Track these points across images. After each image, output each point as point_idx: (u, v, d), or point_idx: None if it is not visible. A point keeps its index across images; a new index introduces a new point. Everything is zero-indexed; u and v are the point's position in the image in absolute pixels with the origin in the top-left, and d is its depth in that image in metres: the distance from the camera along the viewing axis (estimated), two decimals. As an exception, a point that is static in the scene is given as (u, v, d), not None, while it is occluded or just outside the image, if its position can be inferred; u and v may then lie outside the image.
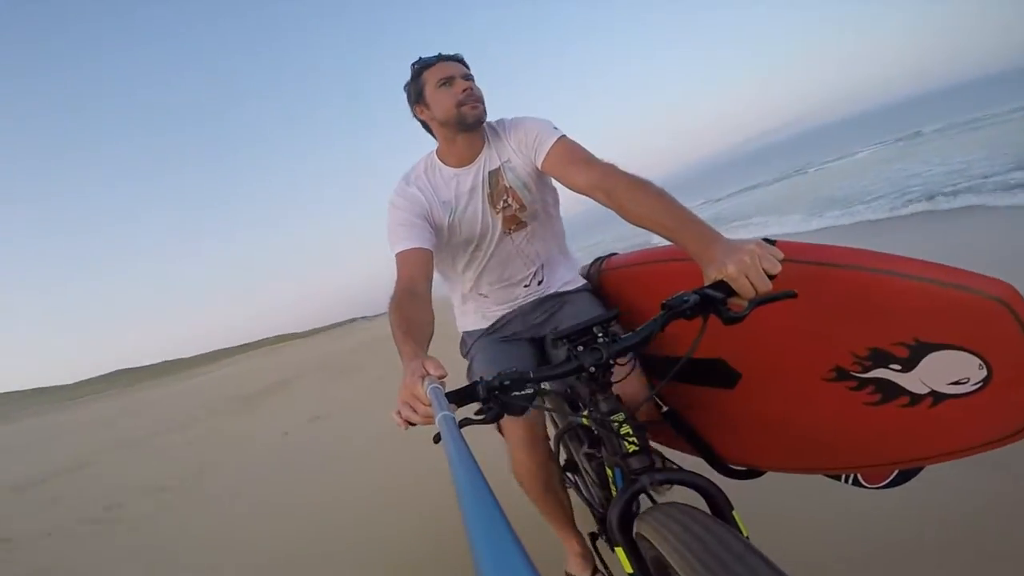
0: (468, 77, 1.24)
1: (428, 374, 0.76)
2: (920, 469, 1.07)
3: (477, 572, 0.31)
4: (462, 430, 0.59)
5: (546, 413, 1.62)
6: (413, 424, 0.76)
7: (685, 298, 0.80)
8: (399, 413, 0.77)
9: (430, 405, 0.69)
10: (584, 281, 1.48)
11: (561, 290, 1.44)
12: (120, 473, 5.67)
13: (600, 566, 1.45)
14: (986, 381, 0.84)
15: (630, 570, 0.85)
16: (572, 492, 1.60)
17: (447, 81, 1.22)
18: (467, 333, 1.51)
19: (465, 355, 1.51)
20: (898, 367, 0.91)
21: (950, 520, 1.43)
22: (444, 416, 0.60)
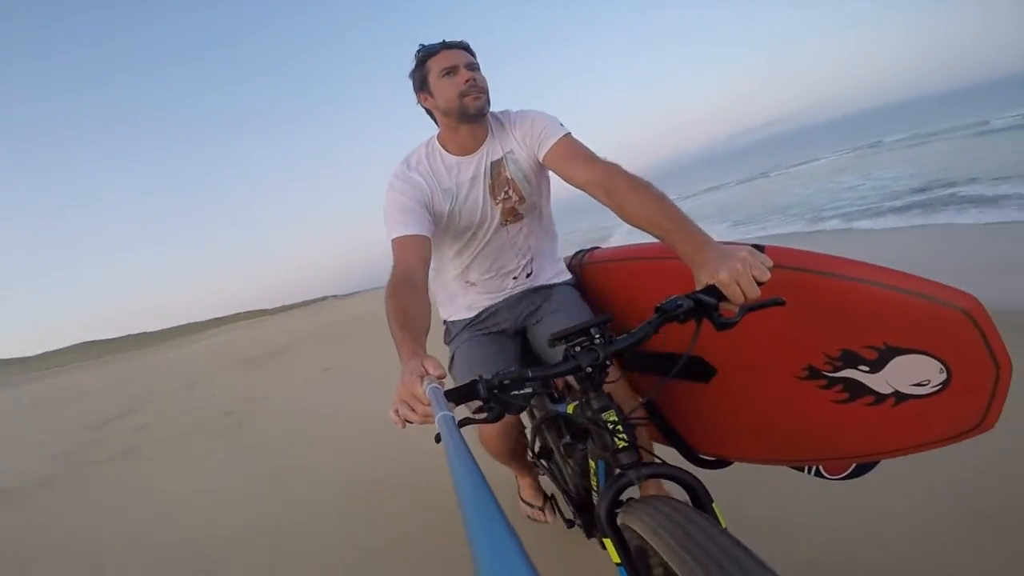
0: (472, 66, 1.22)
1: (427, 374, 0.76)
2: (877, 462, 1.14)
3: (477, 571, 0.31)
4: (461, 430, 0.59)
5: None
6: (411, 423, 0.76)
7: (679, 302, 0.83)
8: (396, 412, 0.77)
9: (429, 405, 0.69)
10: (569, 275, 1.50)
11: (547, 283, 1.46)
12: (184, 409, 6.44)
13: (552, 503, 1.66)
14: (945, 384, 0.90)
15: (617, 559, 0.88)
16: (546, 479, 1.67)
17: (450, 70, 1.20)
18: (451, 323, 1.51)
19: (448, 343, 1.51)
20: (866, 368, 0.97)
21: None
22: (444, 416, 0.60)
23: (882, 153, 19.03)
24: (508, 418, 1.34)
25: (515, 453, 1.46)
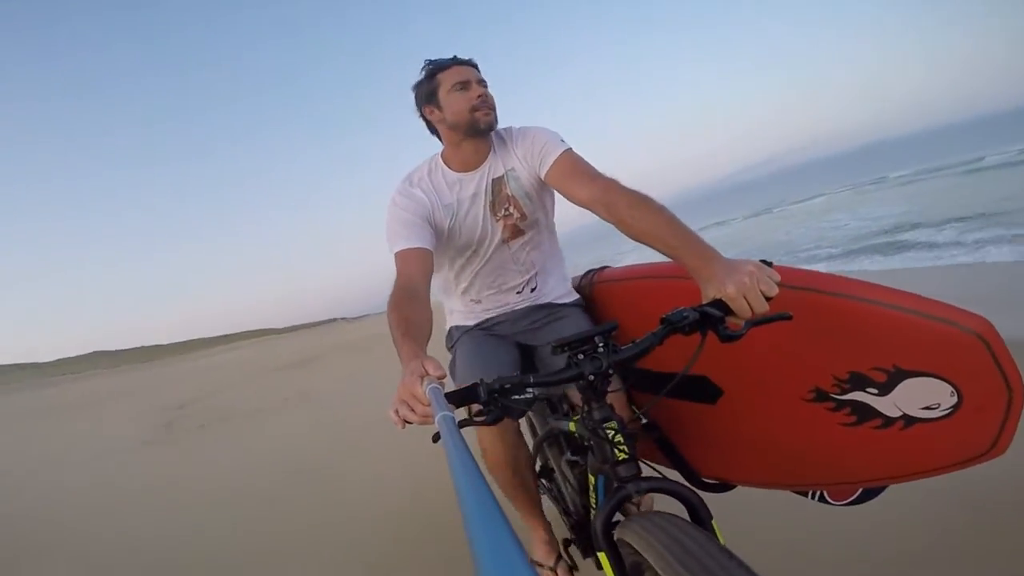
0: (483, 83, 1.24)
1: (427, 374, 0.76)
2: (884, 488, 1.12)
3: (477, 572, 0.31)
4: (461, 431, 0.59)
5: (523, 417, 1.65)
6: (410, 423, 0.76)
7: (685, 314, 0.82)
8: (396, 412, 0.77)
9: (429, 405, 0.69)
10: (577, 296, 1.49)
11: (554, 301, 1.45)
12: (245, 397, 7.79)
13: (566, 556, 1.48)
14: (955, 408, 0.88)
15: (611, 574, 0.86)
16: (546, 499, 1.62)
17: (463, 85, 1.22)
18: (455, 327, 1.51)
19: (450, 348, 1.50)
20: (875, 391, 0.95)
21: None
22: (444, 416, 0.60)
23: (881, 190, 19.86)
24: (514, 444, 1.32)
25: (521, 475, 1.40)
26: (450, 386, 0.78)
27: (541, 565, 1.54)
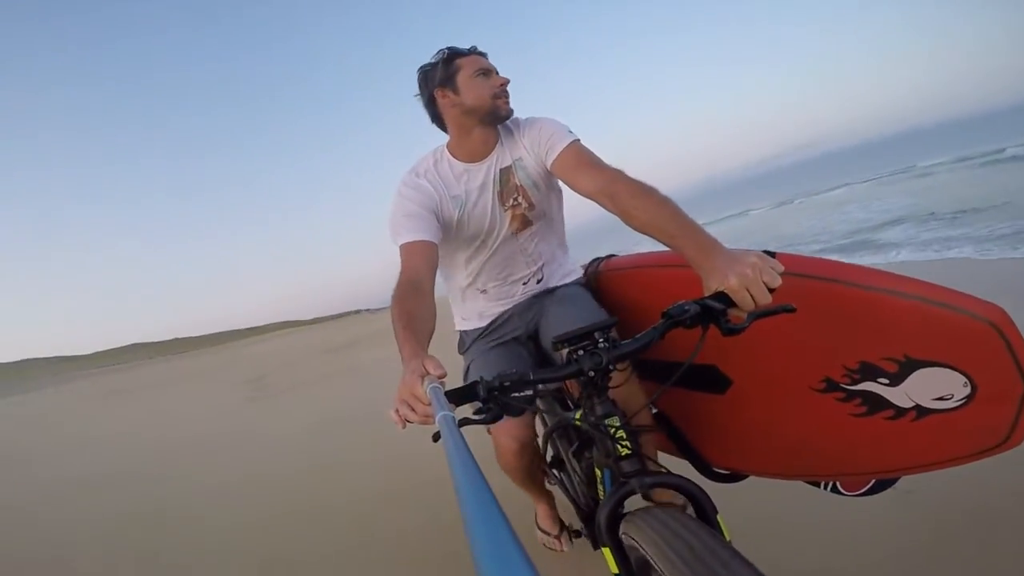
0: (499, 73, 1.25)
1: (428, 373, 0.76)
2: (896, 479, 1.10)
3: (477, 572, 0.31)
4: (461, 430, 0.59)
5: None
6: (411, 423, 0.76)
7: (686, 308, 0.81)
8: (397, 412, 0.78)
9: (429, 405, 0.70)
10: (579, 275, 1.49)
11: (558, 284, 1.45)
12: (307, 371, 9.43)
13: (568, 532, 1.62)
14: (969, 398, 0.86)
15: (616, 570, 0.87)
16: (556, 489, 1.64)
17: (486, 72, 1.22)
18: (465, 332, 1.51)
19: (463, 353, 1.52)
20: (886, 381, 0.93)
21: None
22: (444, 416, 0.60)
23: (901, 181, 19.91)
24: (524, 434, 1.33)
25: (531, 472, 1.44)
26: (450, 384, 0.79)
27: (547, 532, 1.69)
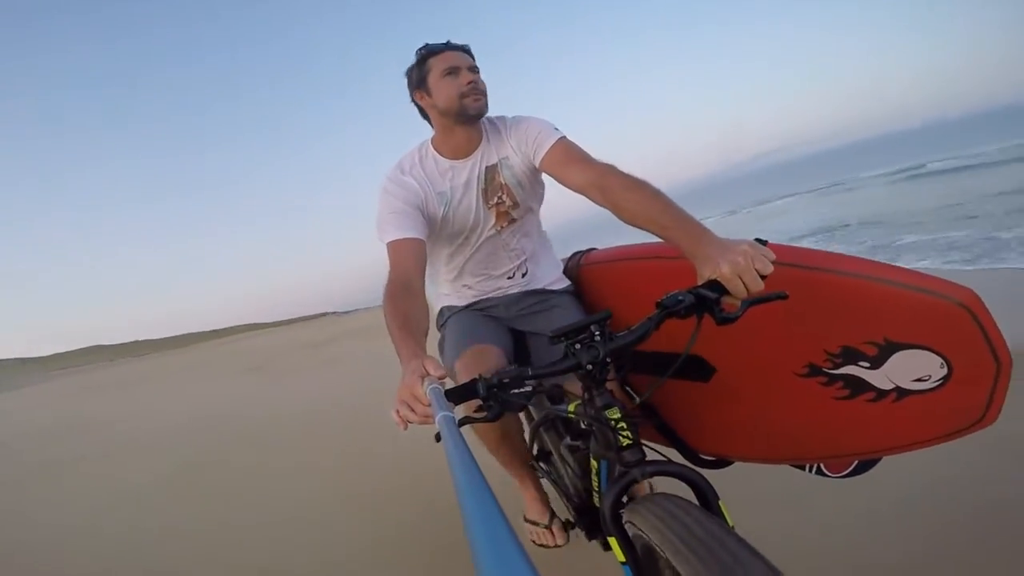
0: (474, 69, 1.22)
1: (428, 374, 0.76)
2: (879, 460, 1.14)
3: (477, 572, 0.31)
4: (461, 429, 0.60)
5: None
6: (412, 423, 0.76)
7: (680, 298, 0.82)
8: (397, 412, 0.78)
9: (429, 405, 0.70)
10: (568, 283, 1.49)
11: (547, 287, 1.45)
12: (300, 360, 10.04)
13: (561, 522, 1.56)
14: (946, 379, 0.90)
15: (622, 558, 0.88)
16: (545, 482, 1.64)
17: (453, 71, 1.20)
18: (446, 307, 1.51)
19: (440, 327, 1.50)
20: (867, 364, 0.96)
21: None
22: (444, 416, 0.60)
23: (837, 193, 21.45)
24: (508, 422, 1.33)
25: (515, 453, 1.45)
26: (451, 384, 0.79)
27: (536, 523, 1.60)
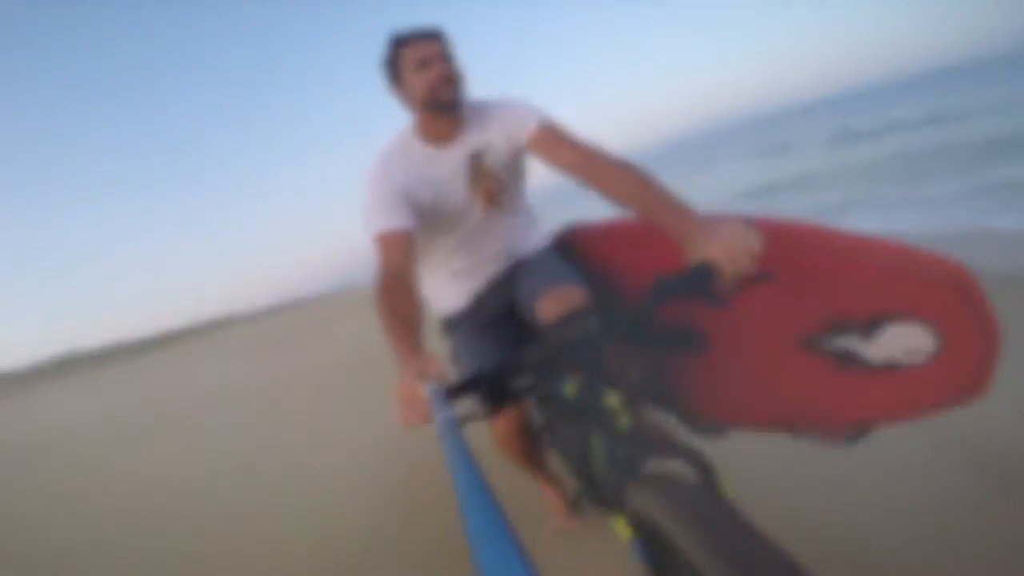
0: (445, 57, 1.19)
1: (428, 374, 0.75)
2: (872, 429, 1.17)
3: (478, 571, 0.31)
4: (464, 431, 0.59)
5: None
6: (412, 423, 0.75)
7: (672, 282, 0.83)
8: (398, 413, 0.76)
9: (430, 405, 0.69)
10: (546, 242, 1.49)
11: (528, 254, 1.45)
12: (297, 341, 10.36)
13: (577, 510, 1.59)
14: (937, 350, 0.92)
15: (628, 535, 0.89)
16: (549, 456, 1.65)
17: (423, 63, 1.18)
18: (448, 316, 1.51)
19: (449, 337, 1.51)
20: (859, 337, 0.99)
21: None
22: (445, 416, 0.60)
23: (772, 156, 20.95)
24: (519, 414, 1.34)
25: (531, 453, 1.46)
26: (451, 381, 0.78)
27: (559, 516, 1.68)
